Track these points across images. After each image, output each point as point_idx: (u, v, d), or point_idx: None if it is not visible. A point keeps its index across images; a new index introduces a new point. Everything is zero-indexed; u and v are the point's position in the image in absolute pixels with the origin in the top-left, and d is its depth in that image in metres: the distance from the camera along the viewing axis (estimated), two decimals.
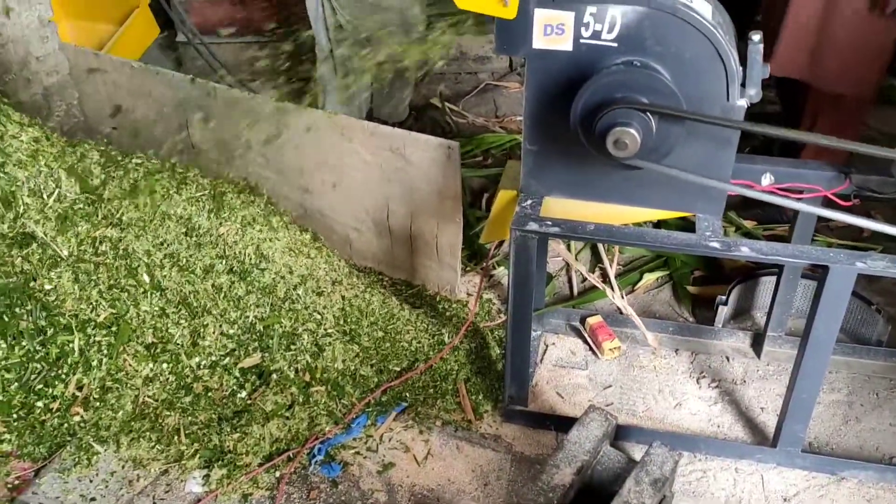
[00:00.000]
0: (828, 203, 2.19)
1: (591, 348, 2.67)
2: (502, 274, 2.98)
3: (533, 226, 2.07)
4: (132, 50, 3.40)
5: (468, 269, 2.97)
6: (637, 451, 2.30)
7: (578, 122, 1.91)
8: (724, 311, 2.67)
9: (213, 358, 2.37)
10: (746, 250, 2.00)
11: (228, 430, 2.27)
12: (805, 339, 2.06)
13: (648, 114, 1.84)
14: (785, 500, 2.20)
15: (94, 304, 2.32)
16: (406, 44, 2.48)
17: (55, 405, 2.24)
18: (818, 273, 2.00)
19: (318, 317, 2.49)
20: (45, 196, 2.39)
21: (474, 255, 3.02)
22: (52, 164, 2.45)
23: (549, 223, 2.08)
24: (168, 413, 2.28)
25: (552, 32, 1.93)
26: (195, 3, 3.88)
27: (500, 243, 3.00)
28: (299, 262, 2.54)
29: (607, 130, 1.83)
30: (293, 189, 2.85)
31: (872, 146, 1.76)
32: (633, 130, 1.82)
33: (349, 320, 2.53)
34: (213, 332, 2.39)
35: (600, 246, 3.00)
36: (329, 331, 2.48)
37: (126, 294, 2.35)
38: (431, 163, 2.57)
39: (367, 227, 2.85)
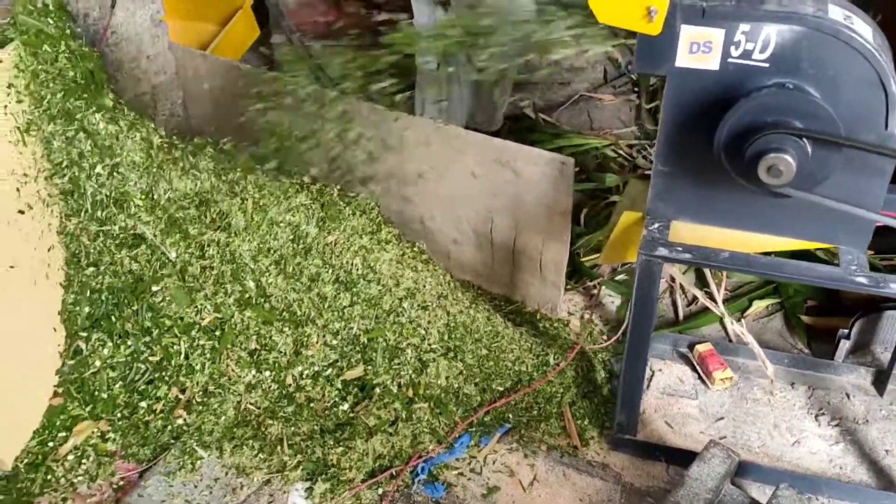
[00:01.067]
0: None
1: (700, 377, 2.56)
2: (604, 294, 2.89)
3: (662, 251, 1.98)
4: (234, 50, 3.40)
5: (568, 287, 2.89)
6: (754, 490, 2.19)
7: (723, 147, 1.81)
8: (845, 345, 2.54)
9: (316, 368, 2.33)
10: None
11: (332, 443, 2.22)
12: None
13: (805, 139, 1.74)
14: None
15: (200, 307, 2.30)
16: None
17: (159, 406, 2.23)
18: None
19: (423, 331, 2.43)
20: (155, 197, 2.37)
21: (573, 272, 2.93)
22: (164, 166, 2.43)
23: (680, 249, 1.99)
24: (271, 422, 2.25)
25: (699, 50, 1.83)
26: (291, 6, 3.86)
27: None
28: (406, 274, 2.49)
29: (760, 156, 1.74)
30: (394, 198, 2.80)
31: None
32: (788, 157, 1.72)
33: (454, 336, 2.47)
34: (317, 342, 2.35)
35: (706, 270, 2.89)
36: (433, 346, 2.42)
37: (231, 299, 2.32)
38: (542, 177, 2.49)
39: (469, 239, 2.78)
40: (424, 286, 2.51)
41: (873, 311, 2.59)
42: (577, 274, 2.95)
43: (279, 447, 2.22)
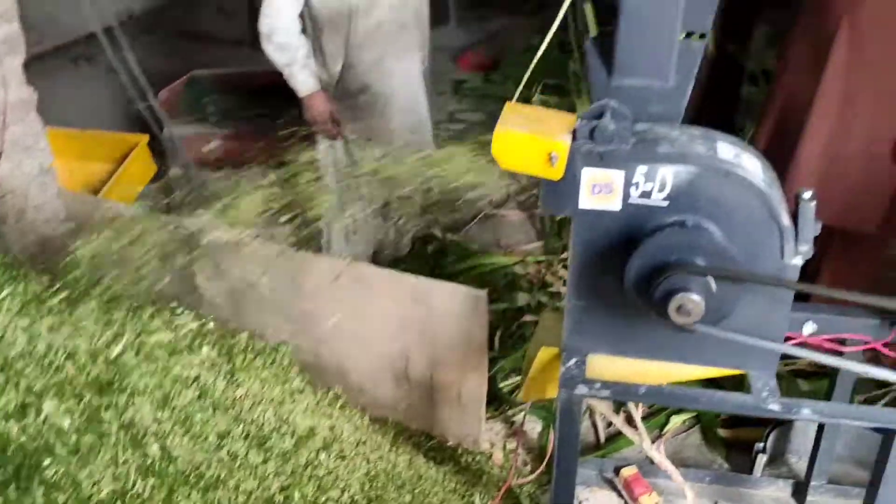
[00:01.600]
0: (875, 357, 2.14)
1: (626, 503, 2.52)
2: (525, 420, 2.85)
3: (582, 389, 1.96)
4: (130, 189, 3.30)
5: (488, 415, 2.83)
6: None
7: (633, 286, 1.83)
8: (762, 459, 2.56)
9: None
10: (808, 412, 1.90)
11: None
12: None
13: (708, 277, 1.78)
14: None
15: (97, 479, 2.13)
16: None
17: None
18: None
19: (342, 483, 2.31)
20: (43, 360, 2.22)
21: (492, 398, 2.89)
22: (50, 324, 2.29)
23: (599, 385, 1.97)
24: None
25: (600, 192, 1.87)
26: (189, 138, 3.82)
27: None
28: (321, 424, 2.38)
29: (668, 296, 1.76)
30: (307, 338, 2.72)
31: None
32: (695, 296, 1.74)
33: (375, 485, 2.36)
34: None
35: None
36: (354, 497, 2.30)
37: (132, 467, 2.16)
38: (457, 312, 2.48)
39: (385, 376, 2.71)
40: (342, 434, 2.41)
41: (785, 420, 2.64)
42: (496, 401, 2.90)
43: None
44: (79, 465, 2.11)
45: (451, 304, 2.46)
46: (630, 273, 1.83)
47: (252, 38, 5.64)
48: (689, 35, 1.93)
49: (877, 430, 2.11)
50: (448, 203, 4.17)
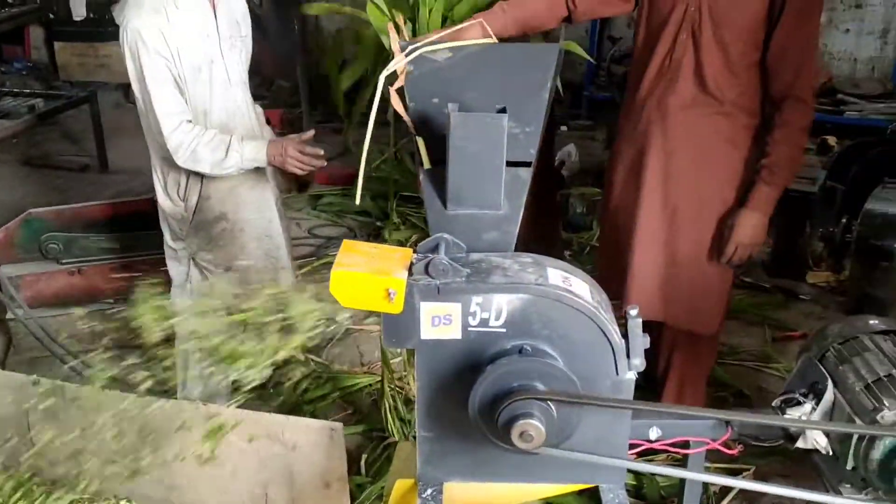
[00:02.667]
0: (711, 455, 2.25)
1: None
2: None
3: None
4: None
5: None
6: None
7: (477, 414, 1.87)
8: None
9: None
10: None
11: None
12: None
13: (548, 402, 1.83)
14: None
15: None
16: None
17: None
18: None
19: None
20: None
21: None
22: None
23: None
24: None
25: (440, 323, 1.92)
26: (27, 277, 3.64)
27: None
28: None
29: (511, 423, 1.80)
30: (156, 486, 2.58)
31: (761, 414, 1.84)
32: (536, 422, 1.79)
33: None
34: None
35: None
36: None
37: None
38: (313, 447, 2.43)
39: None
40: None
41: None
42: None
43: None
44: None
45: (306, 438, 2.42)
46: (474, 400, 1.86)
47: (100, 164, 5.53)
48: (515, 164, 2.04)
49: None
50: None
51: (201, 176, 3.13)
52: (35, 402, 2.50)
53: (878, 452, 1.89)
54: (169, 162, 3.11)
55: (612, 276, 3.00)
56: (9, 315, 3.54)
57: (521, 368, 1.86)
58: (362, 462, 3.07)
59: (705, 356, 3.17)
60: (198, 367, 3.12)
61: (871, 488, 1.96)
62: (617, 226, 3.04)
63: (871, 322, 2.16)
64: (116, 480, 2.52)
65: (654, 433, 2.25)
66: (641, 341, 1.98)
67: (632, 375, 1.96)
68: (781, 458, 3.11)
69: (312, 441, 2.42)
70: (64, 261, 4.08)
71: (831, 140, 5.37)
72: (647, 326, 3.19)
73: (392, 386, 3.60)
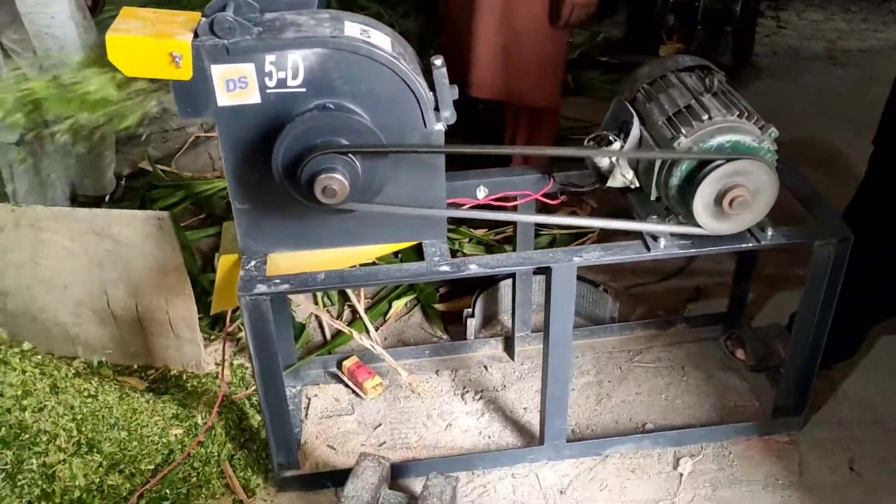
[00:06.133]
0: (539, 206, 2.32)
1: (353, 391, 2.61)
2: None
3: (261, 287, 1.97)
4: None
5: (212, 337, 2.80)
6: (419, 485, 2.27)
7: (282, 175, 1.84)
8: (472, 323, 2.73)
9: None
10: (475, 268, 2.03)
11: None
12: (546, 336, 2.15)
13: (350, 155, 1.81)
14: (561, 492, 2.28)
15: None
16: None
17: None
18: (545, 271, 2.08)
19: (46, 435, 2.19)
20: None
21: (217, 321, 2.84)
22: None
23: (278, 281, 1.99)
24: None
25: (236, 87, 1.83)
26: None
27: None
28: (9, 379, 2.22)
29: (312, 179, 1.78)
30: None
31: (567, 148, 1.86)
32: (338, 175, 1.78)
33: (84, 429, 2.26)
34: None
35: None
36: (63, 446, 2.20)
37: None
38: (144, 238, 2.38)
39: (88, 318, 2.57)
40: (35, 385, 2.27)
41: (490, 284, 2.82)
42: (220, 322, 2.86)
43: None
44: None
45: (134, 231, 2.36)
46: (276, 162, 1.83)
47: None
48: None
49: (538, 272, 2.31)
50: (156, 131, 3.99)
51: None
52: None
53: (675, 179, 1.97)
54: None
55: (454, 57, 2.94)
56: None
57: (322, 124, 1.82)
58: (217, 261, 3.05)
59: (547, 130, 3.20)
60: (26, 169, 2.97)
61: (672, 215, 2.06)
62: (459, 5, 2.95)
63: (680, 59, 2.19)
64: None
65: (481, 192, 2.29)
66: (449, 92, 1.95)
67: (440, 127, 1.94)
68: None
69: (141, 233, 2.36)
70: None
71: None
72: (491, 106, 3.24)
73: None
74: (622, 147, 2.09)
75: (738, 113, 1.95)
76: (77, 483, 2.16)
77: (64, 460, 2.18)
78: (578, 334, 2.69)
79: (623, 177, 2.10)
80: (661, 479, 2.31)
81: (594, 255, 2.05)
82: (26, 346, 2.37)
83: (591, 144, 2.13)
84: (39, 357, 2.34)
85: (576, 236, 3.16)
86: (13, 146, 3.01)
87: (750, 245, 2.06)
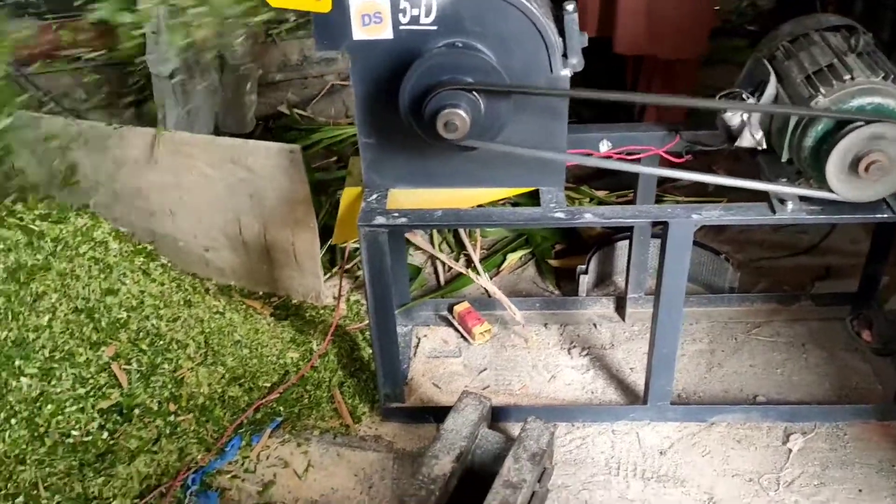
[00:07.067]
0: (663, 162, 2.28)
1: (462, 335, 2.67)
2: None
3: (380, 220, 2.04)
4: None
5: (333, 272, 2.92)
6: (517, 430, 2.30)
7: (408, 110, 1.89)
8: (585, 280, 2.72)
9: (67, 403, 2.22)
10: (590, 216, 2.03)
11: (91, 475, 2.14)
12: (658, 295, 2.12)
13: (475, 93, 1.84)
14: (661, 453, 2.26)
15: None
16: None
17: None
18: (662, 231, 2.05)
19: (177, 344, 2.37)
20: None
21: (336, 258, 2.96)
22: None
23: (396, 214, 2.06)
24: (21, 468, 2.13)
25: (371, 22, 1.90)
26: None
27: None
28: (150, 290, 2.41)
29: (436, 114, 1.82)
30: (139, 214, 2.72)
31: (697, 99, 1.82)
32: (461, 111, 1.82)
33: (211, 342, 2.43)
34: (64, 377, 2.24)
35: (462, 233, 3.00)
36: (192, 355, 2.37)
37: None
38: (275, 170, 2.50)
39: (221, 243, 2.75)
40: (172, 297, 2.45)
41: (606, 244, 2.80)
42: (339, 258, 2.97)
43: (34, 491, 2.11)
44: None
45: (267, 162, 2.49)
46: (403, 97, 1.89)
47: None
48: None
49: (654, 224, 2.27)
50: (296, 76, 4.16)
51: None
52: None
53: (810, 139, 1.90)
54: None
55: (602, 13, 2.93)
56: None
57: (450, 61, 1.86)
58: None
59: (681, 87, 3.12)
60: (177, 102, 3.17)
61: (802, 179, 1.98)
62: None
63: (824, 18, 2.09)
64: (99, 207, 2.65)
65: (604, 146, 2.28)
66: (579, 39, 1.95)
67: (567, 73, 1.95)
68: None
69: (273, 164, 2.49)
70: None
71: None
72: (626, 61, 3.18)
73: None
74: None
75: (883, 75, 1.85)
76: (202, 390, 2.33)
77: (192, 368, 2.35)
78: (694, 301, 2.64)
79: (753, 136, 2.03)
80: (769, 452, 2.25)
81: (715, 214, 2.00)
82: (164, 260, 2.56)
83: (724, 101, 2.07)
84: (176, 273, 2.52)
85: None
86: (167, 79, 3.23)
87: (885, 216, 1.96)
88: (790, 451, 2.25)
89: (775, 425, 2.32)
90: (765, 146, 2.03)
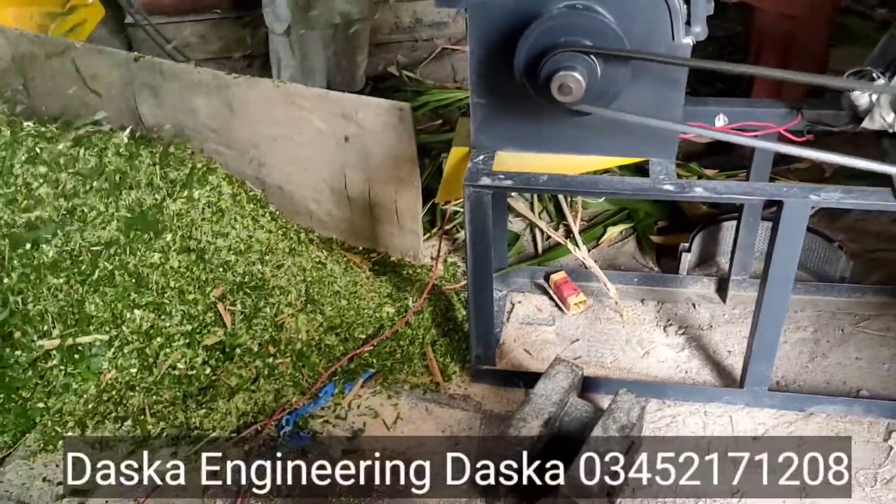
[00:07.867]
0: (782, 140, 2.19)
1: (557, 304, 2.66)
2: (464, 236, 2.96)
3: (485, 180, 2.05)
4: (78, 32, 3.33)
5: (433, 233, 2.95)
6: (607, 403, 2.29)
7: (522, 70, 1.88)
8: (687, 259, 2.67)
9: (175, 337, 2.34)
10: (701, 190, 1.98)
11: (194, 406, 2.25)
12: (765, 278, 2.06)
13: (592, 56, 1.82)
14: (754, 438, 2.21)
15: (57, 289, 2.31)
16: None
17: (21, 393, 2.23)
18: (775, 212, 1.99)
19: (280, 290, 2.46)
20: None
21: (436, 219, 2.99)
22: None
23: (502, 176, 2.06)
24: (131, 394, 2.26)
25: None
26: None
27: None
28: (257, 236, 2.50)
29: (551, 76, 1.81)
30: (249, 164, 2.81)
31: (822, 76, 1.75)
32: (577, 74, 1.79)
33: (311, 291, 2.50)
34: (174, 312, 2.36)
35: (562, 202, 2.98)
36: (292, 302, 2.45)
37: (81, 284, 2.32)
38: (384, 127, 2.54)
39: (326, 196, 2.81)
40: (278, 245, 2.53)
41: (712, 223, 2.73)
42: (442, 220, 3.00)
43: (141, 417, 2.24)
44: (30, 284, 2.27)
45: (377, 119, 2.52)
46: (519, 57, 1.87)
47: None
48: None
49: (767, 206, 2.19)
50: (406, 39, 4.19)
51: None
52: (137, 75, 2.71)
53: None
54: None
55: None
56: (128, 20, 3.75)
57: (569, 23, 1.83)
58: (442, 164, 3.19)
59: (810, 66, 2.99)
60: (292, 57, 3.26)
61: None
62: None
63: None
64: (212, 153, 2.76)
65: (719, 120, 2.21)
66: (704, 6, 1.89)
67: (689, 41, 1.89)
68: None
69: (382, 121, 2.52)
70: None
71: None
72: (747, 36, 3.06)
73: None
74: (886, 85, 1.91)
75: None
76: (300, 336, 2.41)
77: (292, 315, 2.43)
78: (801, 288, 2.55)
79: (882, 118, 1.93)
80: (868, 448, 2.17)
81: (833, 196, 1.92)
82: (273, 209, 2.64)
83: (852, 80, 1.97)
84: (283, 222, 2.60)
85: None
86: (282, 36, 3.32)
87: None
88: (891, 448, 2.16)
89: (877, 421, 2.23)
90: (895, 130, 1.93)
